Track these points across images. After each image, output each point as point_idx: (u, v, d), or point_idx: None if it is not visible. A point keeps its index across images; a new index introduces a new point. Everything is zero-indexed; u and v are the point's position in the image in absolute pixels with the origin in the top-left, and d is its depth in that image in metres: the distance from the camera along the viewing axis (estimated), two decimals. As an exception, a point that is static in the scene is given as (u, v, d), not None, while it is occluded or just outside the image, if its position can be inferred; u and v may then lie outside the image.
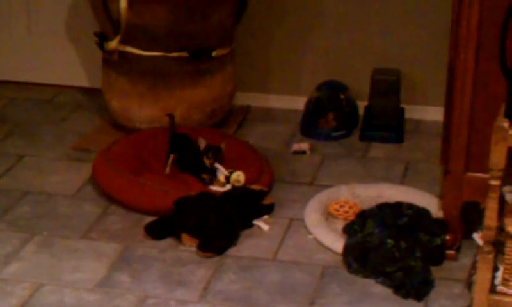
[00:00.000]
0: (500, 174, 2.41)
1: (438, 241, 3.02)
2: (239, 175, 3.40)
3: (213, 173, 3.43)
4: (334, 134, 4.04)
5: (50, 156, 3.87)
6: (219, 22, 3.90)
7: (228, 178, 3.41)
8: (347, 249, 3.05)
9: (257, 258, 3.09)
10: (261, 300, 2.86)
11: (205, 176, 3.42)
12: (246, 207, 3.30)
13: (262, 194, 3.38)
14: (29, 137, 4.06)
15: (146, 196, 3.35)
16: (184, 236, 3.16)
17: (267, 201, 3.38)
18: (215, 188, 3.40)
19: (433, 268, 2.97)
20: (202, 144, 3.47)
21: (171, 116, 3.69)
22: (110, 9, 3.88)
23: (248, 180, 3.42)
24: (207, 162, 3.43)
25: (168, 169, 3.56)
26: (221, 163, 3.45)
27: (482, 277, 2.54)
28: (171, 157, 3.57)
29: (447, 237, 3.03)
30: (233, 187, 3.38)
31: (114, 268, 3.03)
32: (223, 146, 3.47)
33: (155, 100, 3.91)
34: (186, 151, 3.55)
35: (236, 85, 4.16)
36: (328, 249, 3.12)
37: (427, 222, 3.12)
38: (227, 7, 3.93)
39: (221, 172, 3.42)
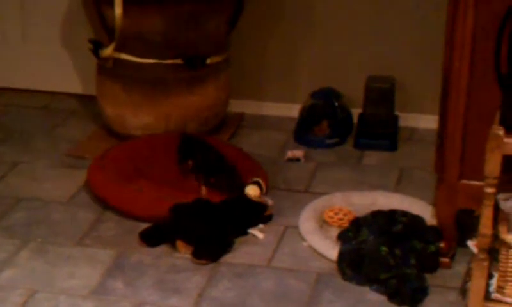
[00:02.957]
0: (495, 182, 2.42)
1: (433, 248, 3.02)
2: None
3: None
4: (328, 142, 4.04)
5: (44, 163, 3.86)
6: (213, 30, 3.90)
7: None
8: (341, 256, 3.05)
9: (252, 265, 3.09)
10: (256, 307, 2.87)
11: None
12: (243, 215, 3.29)
13: (263, 208, 3.37)
14: (23, 144, 4.05)
15: (140, 202, 3.35)
16: (179, 243, 3.16)
17: (266, 212, 3.37)
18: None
19: (428, 276, 2.97)
20: None
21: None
22: (105, 16, 3.88)
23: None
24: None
25: (204, 189, 3.42)
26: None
27: (476, 284, 2.55)
28: (190, 164, 3.51)
29: (442, 244, 3.03)
30: (231, 196, 3.38)
31: (108, 275, 3.03)
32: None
33: (149, 107, 3.91)
34: (203, 155, 3.52)
35: (230, 92, 4.16)
36: (322, 256, 3.12)
37: (421, 229, 3.12)
38: (222, 14, 3.93)
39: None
